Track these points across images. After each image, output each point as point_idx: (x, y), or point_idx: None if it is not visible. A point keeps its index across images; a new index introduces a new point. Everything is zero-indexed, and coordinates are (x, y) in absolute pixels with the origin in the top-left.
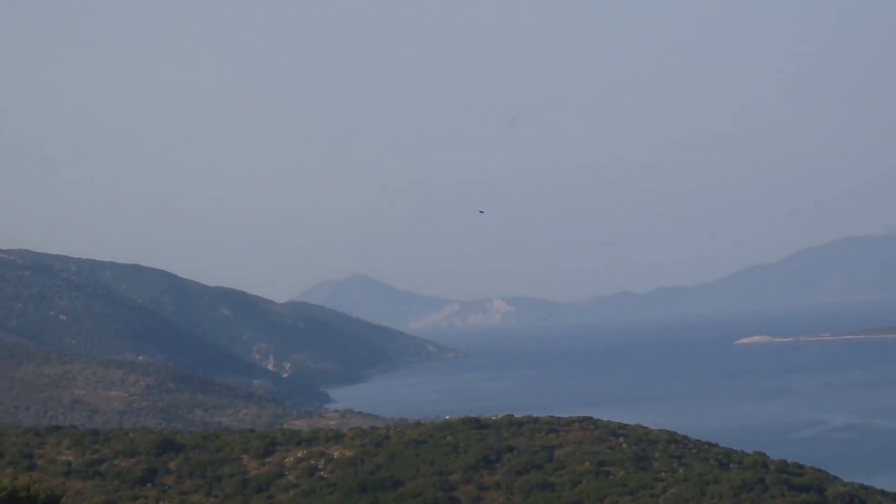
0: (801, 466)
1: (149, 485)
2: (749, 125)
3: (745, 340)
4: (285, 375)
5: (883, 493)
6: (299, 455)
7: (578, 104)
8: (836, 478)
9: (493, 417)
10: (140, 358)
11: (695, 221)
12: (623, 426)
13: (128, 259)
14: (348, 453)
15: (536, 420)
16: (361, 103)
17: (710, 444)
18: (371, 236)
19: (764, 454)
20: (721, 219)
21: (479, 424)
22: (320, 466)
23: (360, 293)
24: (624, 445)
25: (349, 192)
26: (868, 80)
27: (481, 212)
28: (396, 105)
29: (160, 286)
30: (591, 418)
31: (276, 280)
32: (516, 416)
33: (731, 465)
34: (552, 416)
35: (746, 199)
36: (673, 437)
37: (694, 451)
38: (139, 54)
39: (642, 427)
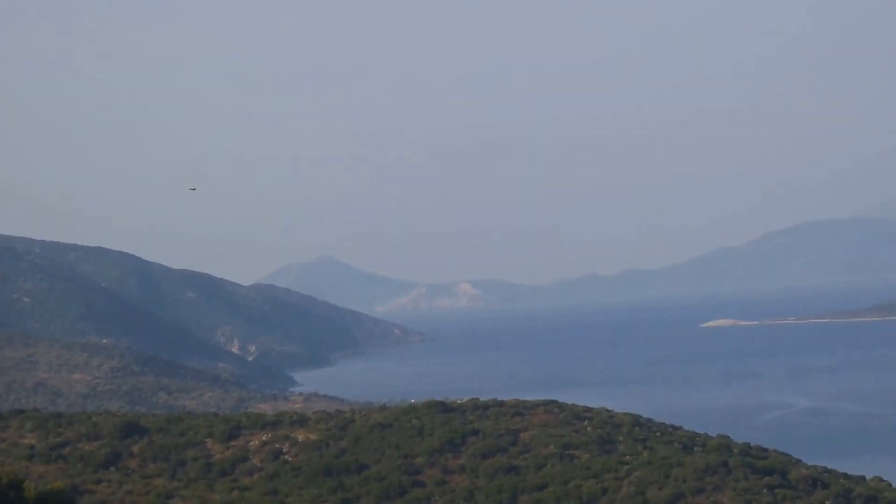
0: (764, 450)
1: (112, 468)
2: (717, 110)
3: (711, 323)
4: (250, 359)
5: (846, 475)
6: (264, 439)
7: (550, 81)
8: (799, 461)
9: (459, 401)
10: (104, 341)
11: (662, 204)
12: (588, 409)
13: (92, 242)
14: (313, 437)
15: (501, 403)
16: (327, 84)
17: (675, 428)
18: (338, 218)
19: (728, 437)
20: (687, 202)
21: (444, 408)
22: (285, 450)
23: (326, 276)
24: (589, 429)
25: (316, 175)
26: (837, 69)
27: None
28: (363, 87)
29: (125, 269)
30: (555, 402)
31: (242, 262)
32: (481, 399)
33: (695, 449)
34: (517, 400)
35: (713, 182)
36: (637, 421)
37: (658, 434)
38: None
39: (607, 410)
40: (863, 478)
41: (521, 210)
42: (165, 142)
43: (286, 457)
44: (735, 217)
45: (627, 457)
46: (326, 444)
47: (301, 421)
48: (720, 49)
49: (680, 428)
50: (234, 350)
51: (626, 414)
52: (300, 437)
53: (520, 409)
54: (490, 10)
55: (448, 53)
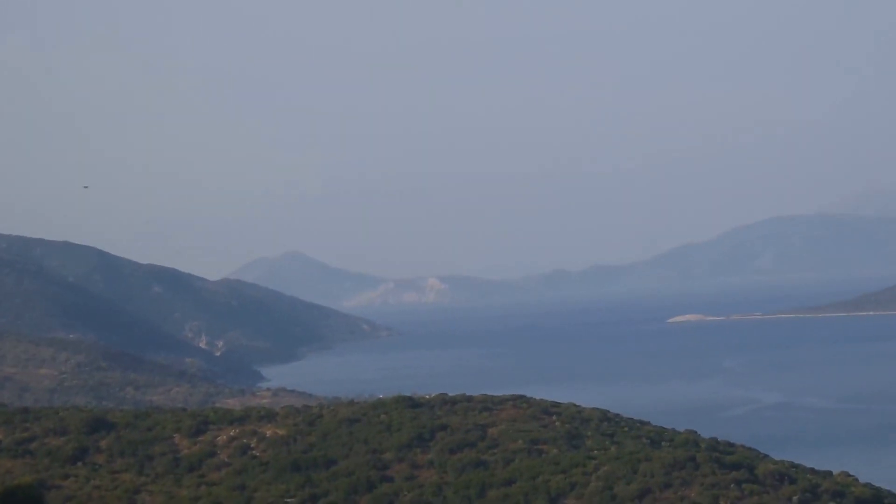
0: (731, 445)
1: (79, 463)
2: (679, 104)
3: (678, 319)
4: (218, 354)
5: (813, 471)
6: (231, 434)
7: (512, 80)
8: (766, 456)
9: (427, 396)
10: (71, 336)
11: (628, 199)
12: (556, 405)
13: (59, 236)
14: (281, 432)
15: (470, 399)
16: (289, 81)
17: (642, 423)
18: (306, 214)
19: (695, 432)
20: (652, 197)
21: (412, 403)
22: (253, 445)
23: (294, 271)
24: (557, 424)
25: (283, 170)
26: (803, 61)
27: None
28: (327, 82)
29: (91, 264)
30: (524, 397)
31: (210, 258)
32: (450, 394)
33: (663, 444)
34: (486, 395)
35: (678, 177)
36: (605, 416)
37: (626, 429)
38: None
39: (575, 405)
40: (830, 473)
41: (489, 205)
42: (132, 137)
43: (254, 452)
44: (701, 212)
45: (595, 452)
46: (294, 439)
47: (269, 416)
48: (694, 35)
49: (648, 423)
50: (202, 345)
51: (594, 409)
52: (268, 433)
53: (488, 405)
54: (444, 11)
55: (416, 50)
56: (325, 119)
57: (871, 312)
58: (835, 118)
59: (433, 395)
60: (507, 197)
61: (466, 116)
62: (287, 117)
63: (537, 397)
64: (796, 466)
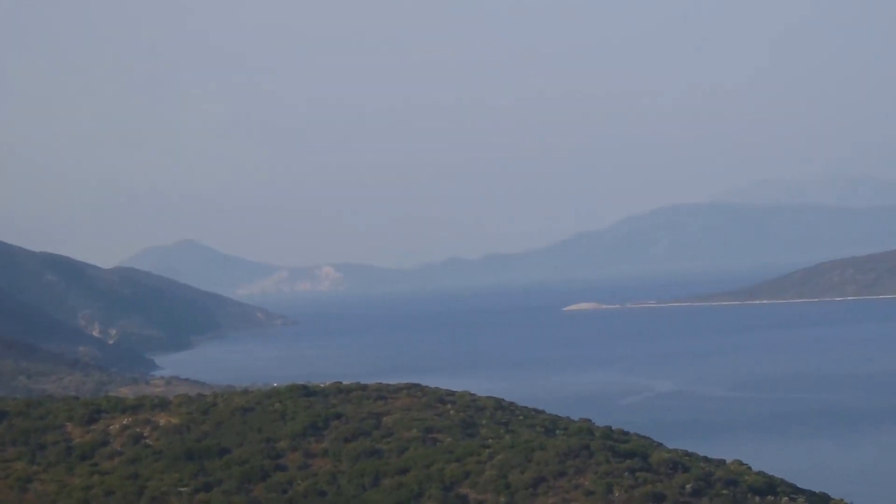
0: (626, 433)
1: None
2: (574, 94)
3: (573, 307)
4: (111, 342)
5: (706, 459)
6: (124, 422)
7: (423, 64)
8: (660, 444)
9: (321, 385)
10: None
11: (523, 188)
12: (451, 393)
13: None
14: (174, 421)
15: (364, 387)
16: (181, 69)
17: (537, 411)
18: (199, 201)
19: (590, 421)
20: (548, 186)
21: (306, 391)
22: (146, 434)
23: (188, 259)
24: (451, 412)
25: (176, 157)
26: (696, 53)
27: None
28: (223, 70)
29: None
30: (418, 385)
31: (103, 246)
32: (344, 383)
33: (558, 432)
34: (380, 384)
35: (574, 166)
36: (500, 404)
37: (521, 417)
38: None
39: (470, 394)
40: (723, 461)
41: (384, 194)
42: (22, 125)
43: (147, 441)
44: (597, 201)
45: (490, 440)
46: (188, 427)
47: (162, 405)
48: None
49: (542, 411)
50: (95, 333)
51: (488, 397)
52: (161, 421)
53: (383, 393)
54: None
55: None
56: (217, 108)
57: (765, 301)
58: (729, 109)
59: (327, 383)
60: (403, 186)
61: (354, 109)
62: (180, 105)
63: (432, 386)
64: (690, 455)
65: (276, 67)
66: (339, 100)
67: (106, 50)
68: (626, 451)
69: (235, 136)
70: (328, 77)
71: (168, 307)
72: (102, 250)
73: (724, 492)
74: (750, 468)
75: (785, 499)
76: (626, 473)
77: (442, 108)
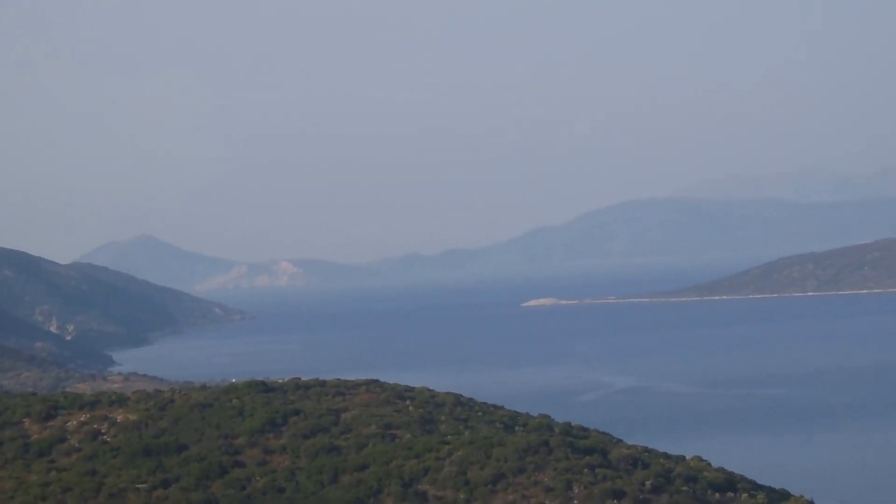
0: (585, 429)
1: None
2: (534, 88)
3: (532, 303)
4: (68, 338)
5: (666, 455)
6: (82, 419)
7: (362, 71)
8: (619, 440)
9: (280, 381)
10: None
11: (482, 183)
12: (410, 389)
13: None
14: (132, 417)
15: (323, 383)
16: (134, 60)
17: (496, 407)
18: (156, 196)
19: (549, 417)
20: (506, 181)
21: (265, 388)
22: (103, 430)
23: (145, 254)
24: (410, 408)
25: (135, 150)
26: (660, 48)
27: None
28: (177, 62)
29: None
30: (377, 381)
31: (60, 241)
32: (303, 379)
33: (517, 428)
34: (339, 379)
35: (532, 161)
36: (459, 400)
37: (480, 413)
38: None
39: (429, 390)
40: (683, 457)
41: (342, 189)
42: None
43: (105, 437)
44: (555, 196)
45: (449, 437)
46: (146, 424)
47: (120, 401)
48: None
49: (501, 408)
50: (52, 329)
51: (447, 394)
52: (119, 418)
53: (341, 389)
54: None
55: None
56: (175, 101)
57: (725, 296)
58: (689, 105)
59: (286, 379)
60: (361, 181)
61: (319, 102)
62: (137, 99)
63: (391, 382)
64: (649, 451)
65: (231, 60)
66: (295, 92)
67: (63, 38)
68: (585, 448)
69: (193, 130)
70: (282, 69)
71: (126, 303)
72: (59, 246)
73: (684, 488)
74: (710, 464)
75: (745, 495)
76: (585, 470)
77: (397, 102)
